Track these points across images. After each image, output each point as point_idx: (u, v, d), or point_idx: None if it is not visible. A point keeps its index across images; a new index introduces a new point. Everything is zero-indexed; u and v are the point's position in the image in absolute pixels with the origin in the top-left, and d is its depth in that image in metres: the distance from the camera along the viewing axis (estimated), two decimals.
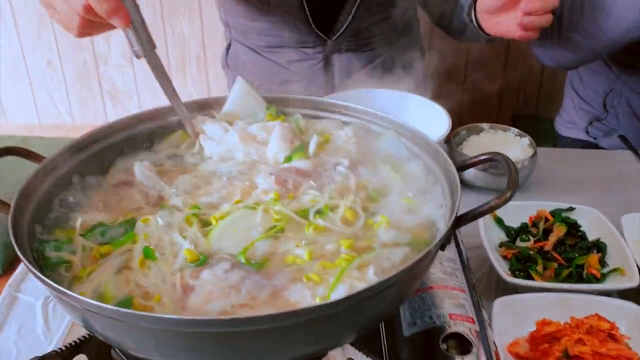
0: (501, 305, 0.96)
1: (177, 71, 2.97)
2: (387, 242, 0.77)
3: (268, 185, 0.86)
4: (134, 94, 3.09)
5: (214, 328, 0.61)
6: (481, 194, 1.31)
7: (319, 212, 0.81)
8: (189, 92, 3.01)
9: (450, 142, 1.36)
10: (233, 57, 1.84)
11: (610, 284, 1.05)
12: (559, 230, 1.15)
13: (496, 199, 0.74)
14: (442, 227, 0.78)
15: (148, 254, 0.75)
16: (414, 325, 0.85)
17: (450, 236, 0.74)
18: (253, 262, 0.74)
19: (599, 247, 1.12)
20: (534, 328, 0.93)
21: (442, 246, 0.73)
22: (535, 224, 1.18)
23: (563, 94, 1.97)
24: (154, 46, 0.91)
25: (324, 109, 1.03)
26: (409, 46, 1.73)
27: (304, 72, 1.68)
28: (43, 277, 0.65)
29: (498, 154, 0.82)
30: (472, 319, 0.84)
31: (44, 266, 0.75)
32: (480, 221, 1.12)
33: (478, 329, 0.83)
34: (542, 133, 1.93)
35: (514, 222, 1.20)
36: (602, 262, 1.10)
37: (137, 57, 0.90)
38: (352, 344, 0.78)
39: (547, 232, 1.16)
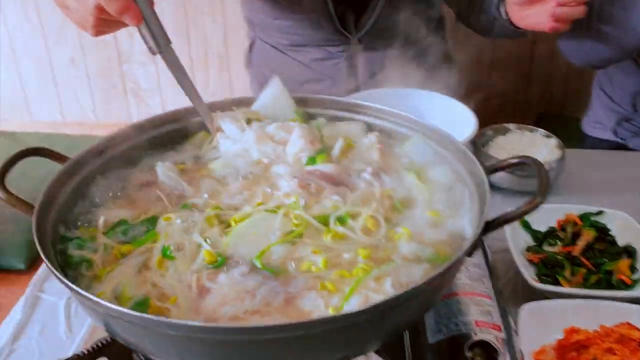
0: (528, 312, 0.94)
1: (199, 70, 2.96)
2: (407, 255, 0.75)
3: (290, 188, 0.85)
4: (157, 92, 3.11)
5: (235, 336, 0.60)
6: (508, 197, 1.28)
7: (339, 219, 0.79)
8: (211, 90, 2.99)
9: (476, 143, 1.33)
10: (256, 56, 1.83)
11: None
12: (588, 235, 1.12)
13: (527, 205, 0.73)
14: (469, 233, 0.76)
15: (166, 253, 0.75)
16: (439, 333, 0.83)
17: (477, 243, 0.72)
18: (269, 266, 0.73)
19: (629, 252, 1.10)
20: (562, 335, 0.91)
21: (469, 253, 0.71)
22: (563, 228, 1.16)
23: (589, 92, 1.94)
24: (168, 42, 0.91)
25: (348, 109, 1.01)
26: (434, 45, 1.71)
27: (327, 71, 1.67)
28: (66, 281, 0.65)
29: (529, 157, 0.81)
30: (499, 327, 0.83)
31: (66, 264, 0.75)
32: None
33: (504, 337, 0.82)
34: (568, 132, 1.89)
35: (541, 226, 1.17)
36: (633, 268, 1.07)
37: (153, 53, 0.91)
38: (375, 351, 0.77)
39: (575, 237, 1.13)
